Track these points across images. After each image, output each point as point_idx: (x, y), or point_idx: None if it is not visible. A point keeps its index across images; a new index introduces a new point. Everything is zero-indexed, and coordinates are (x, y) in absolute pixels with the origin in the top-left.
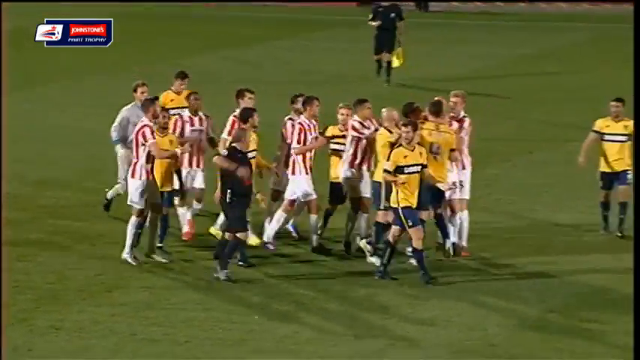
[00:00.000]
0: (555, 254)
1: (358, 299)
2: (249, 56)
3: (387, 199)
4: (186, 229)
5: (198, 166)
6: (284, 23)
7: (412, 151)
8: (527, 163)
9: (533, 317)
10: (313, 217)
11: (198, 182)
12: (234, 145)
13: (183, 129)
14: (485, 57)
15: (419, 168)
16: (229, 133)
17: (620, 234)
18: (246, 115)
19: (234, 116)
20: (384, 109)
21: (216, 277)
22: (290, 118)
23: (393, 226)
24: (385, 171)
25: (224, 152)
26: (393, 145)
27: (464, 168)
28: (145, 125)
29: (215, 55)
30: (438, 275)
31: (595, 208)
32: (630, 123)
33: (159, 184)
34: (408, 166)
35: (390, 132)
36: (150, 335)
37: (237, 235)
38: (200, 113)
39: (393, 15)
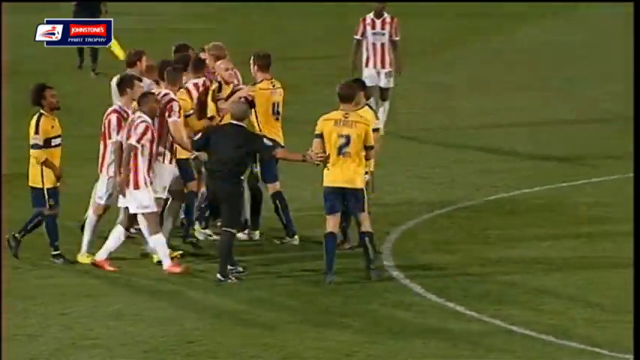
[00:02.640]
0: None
1: (31, 290)
2: None
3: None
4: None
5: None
6: None
7: None
8: None
9: (238, 308)
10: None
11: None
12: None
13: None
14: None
15: None
16: None
17: (371, 277)
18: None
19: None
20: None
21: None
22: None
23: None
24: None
25: None
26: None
27: None
28: (172, 99)
29: None
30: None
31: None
32: (366, 118)
33: (51, 179)
34: None
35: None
36: None
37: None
38: None
39: None
